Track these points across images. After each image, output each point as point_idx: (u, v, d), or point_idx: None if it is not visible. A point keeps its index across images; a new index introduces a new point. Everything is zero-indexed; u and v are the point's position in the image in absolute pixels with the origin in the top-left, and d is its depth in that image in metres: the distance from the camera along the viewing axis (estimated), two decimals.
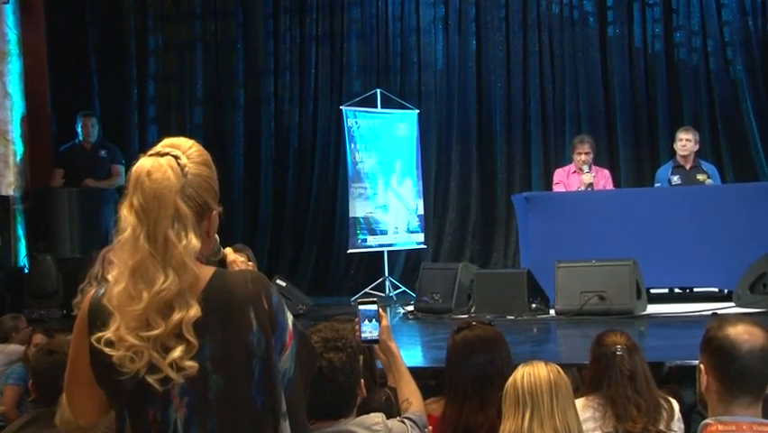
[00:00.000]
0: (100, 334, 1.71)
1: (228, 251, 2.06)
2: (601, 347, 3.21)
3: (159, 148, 1.80)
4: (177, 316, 1.69)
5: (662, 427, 3.09)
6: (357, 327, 2.84)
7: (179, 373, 1.69)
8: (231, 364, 1.73)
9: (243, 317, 1.74)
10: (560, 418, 2.65)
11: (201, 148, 1.84)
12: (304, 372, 1.86)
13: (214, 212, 1.83)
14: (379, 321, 2.84)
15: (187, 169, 1.76)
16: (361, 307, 2.86)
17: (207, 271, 1.79)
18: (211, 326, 1.73)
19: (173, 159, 1.76)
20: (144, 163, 1.75)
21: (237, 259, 2.08)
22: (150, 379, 1.69)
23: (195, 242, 1.73)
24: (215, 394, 1.72)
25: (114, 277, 1.73)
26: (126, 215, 1.73)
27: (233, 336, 1.73)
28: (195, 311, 1.70)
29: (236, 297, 1.75)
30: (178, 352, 1.68)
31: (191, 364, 1.69)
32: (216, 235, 1.93)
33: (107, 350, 1.70)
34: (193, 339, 1.69)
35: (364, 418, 2.53)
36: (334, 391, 2.47)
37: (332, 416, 2.50)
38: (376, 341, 2.85)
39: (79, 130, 8.64)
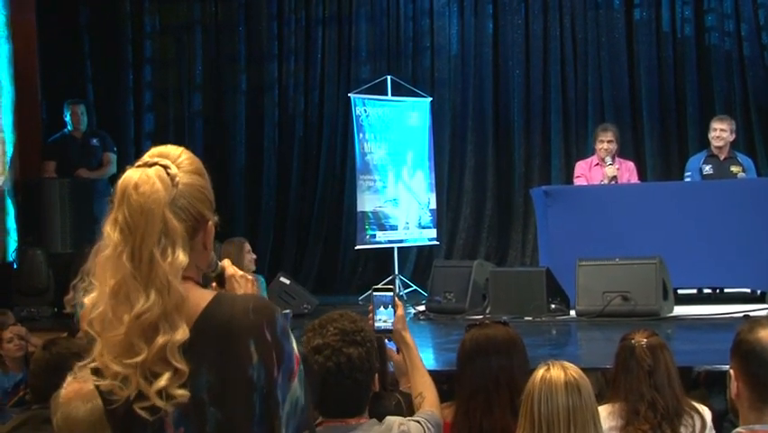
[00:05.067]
0: (84, 363, 1.72)
1: (226, 263, 2.04)
2: (623, 342, 3.24)
3: (146, 158, 1.78)
4: (161, 340, 1.67)
5: None
6: (371, 315, 2.84)
7: (168, 401, 1.68)
8: (230, 398, 1.71)
9: (243, 350, 1.72)
10: None
11: (192, 156, 1.83)
12: (310, 394, 1.87)
13: (210, 223, 1.83)
14: (394, 309, 2.85)
15: (177, 179, 1.75)
16: (376, 293, 2.87)
17: (205, 296, 1.77)
18: (208, 355, 1.71)
19: (162, 169, 1.75)
20: (132, 175, 1.73)
21: (237, 272, 2.05)
22: (138, 408, 1.68)
23: (182, 258, 1.71)
24: (214, 428, 1.70)
25: (93, 300, 1.71)
26: (110, 232, 1.71)
27: (231, 369, 1.72)
28: (181, 334, 1.68)
29: (236, 327, 1.73)
30: (164, 380, 1.67)
31: (181, 393, 1.67)
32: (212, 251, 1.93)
33: (94, 379, 1.71)
34: (181, 365, 1.67)
35: (391, 423, 2.50)
36: (351, 389, 2.44)
37: (345, 414, 2.47)
38: (390, 330, 2.85)
39: (68, 119, 8.67)
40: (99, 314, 1.70)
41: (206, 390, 1.70)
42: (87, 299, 1.72)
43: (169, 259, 1.69)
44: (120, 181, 1.74)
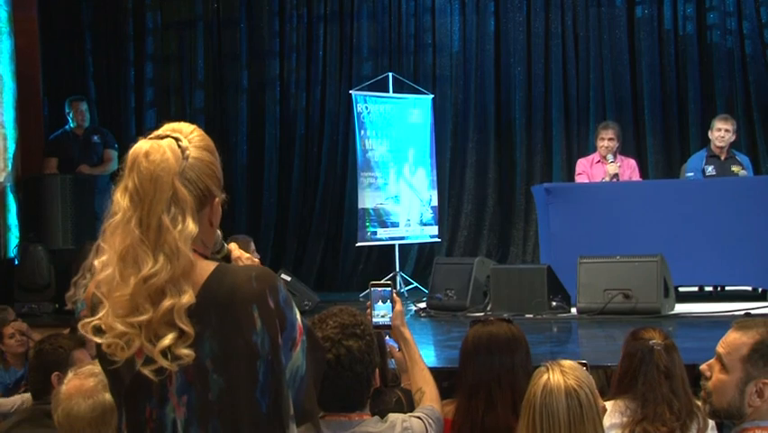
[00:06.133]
0: (87, 320, 1.73)
1: (233, 246, 2.07)
2: (636, 342, 3.19)
3: (159, 132, 1.81)
4: (168, 302, 1.69)
5: None
6: (369, 310, 2.84)
7: (174, 361, 1.69)
8: (233, 365, 1.73)
9: (246, 317, 1.74)
10: None
11: (204, 133, 1.85)
12: (313, 367, 1.88)
13: (217, 199, 1.84)
14: (392, 304, 2.84)
15: (188, 152, 1.77)
16: (374, 288, 2.86)
17: (208, 266, 1.79)
18: (211, 322, 1.73)
19: (173, 141, 1.77)
20: (142, 145, 1.76)
21: (243, 255, 2.08)
22: (146, 370, 1.70)
23: (192, 227, 1.73)
24: (217, 395, 1.72)
25: (102, 262, 1.73)
26: (119, 198, 1.73)
27: (234, 336, 1.73)
28: (188, 298, 1.70)
29: (239, 295, 1.75)
30: (168, 339, 1.69)
31: (187, 353, 1.69)
32: (219, 231, 1.94)
33: (95, 337, 1.72)
34: (187, 327, 1.69)
35: (394, 420, 2.51)
36: (351, 381, 2.44)
37: (346, 408, 2.47)
38: (388, 326, 2.85)
39: (70, 116, 8.68)
40: (107, 276, 1.72)
41: (210, 357, 1.72)
42: (97, 262, 1.74)
43: (179, 227, 1.71)
44: (131, 150, 1.76)
